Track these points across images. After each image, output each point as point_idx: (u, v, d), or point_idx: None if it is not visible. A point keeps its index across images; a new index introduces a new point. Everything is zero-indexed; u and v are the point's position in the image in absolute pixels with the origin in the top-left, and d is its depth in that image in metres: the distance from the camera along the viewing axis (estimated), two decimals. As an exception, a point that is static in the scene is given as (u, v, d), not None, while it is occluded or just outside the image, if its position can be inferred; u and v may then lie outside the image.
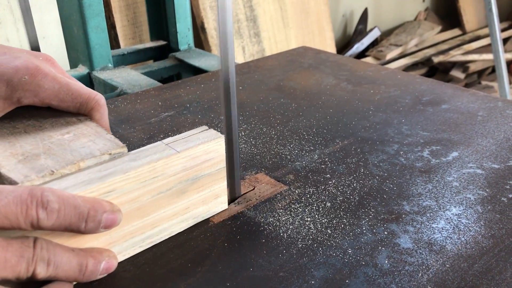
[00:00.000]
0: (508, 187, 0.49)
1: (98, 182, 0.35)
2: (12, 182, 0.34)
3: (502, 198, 0.48)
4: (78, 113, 0.43)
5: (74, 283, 0.35)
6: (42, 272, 0.31)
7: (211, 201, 0.44)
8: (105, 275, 0.36)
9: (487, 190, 0.49)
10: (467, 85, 2.60)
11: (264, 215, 0.45)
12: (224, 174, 0.44)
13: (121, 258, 0.39)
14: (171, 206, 0.40)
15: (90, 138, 0.40)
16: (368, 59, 2.45)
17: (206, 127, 0.43)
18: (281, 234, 0.42)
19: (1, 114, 0.41)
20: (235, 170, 0.46)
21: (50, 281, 0.33)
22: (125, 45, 1.56)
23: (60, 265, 0.32)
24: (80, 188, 0.34)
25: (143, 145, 0.40)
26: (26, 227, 0.30)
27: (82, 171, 0.36)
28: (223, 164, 0.43)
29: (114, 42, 1.57)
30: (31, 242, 0.31)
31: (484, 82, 2.67)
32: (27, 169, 0.35)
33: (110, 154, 0.38)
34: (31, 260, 0.31)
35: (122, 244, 0.38)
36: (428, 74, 2.66)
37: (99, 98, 0.43)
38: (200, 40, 1.76)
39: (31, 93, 0.40)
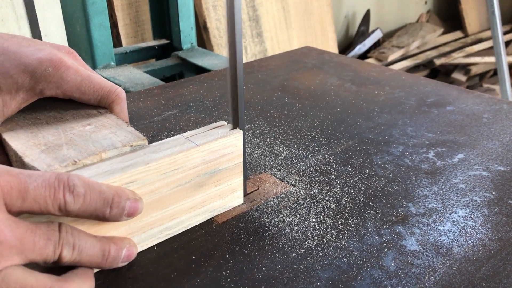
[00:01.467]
0: (514, 189, 0.49)
1: (120, 173, 0.35)
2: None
3: (509, 201, 0.47)
4: (99, 105, 0.44)
5: (96, 271, 0.36)
6: (67, 255, 0.32)
7: (228, 195, 0.44)
8: (126, 263, 0.36)
9: (494, 193, 0.48)
10: (468, 88, 2.59)
11: (269, 215, 0.45)
12: (241, 169, 0.44)
13: (139, 249, 0.39)
14: (189, 199, 0.41)
15: (111, 130, 0.40)
16: (370, 61, 2.44)
17: (224, 122, 0.44)
18: (286, 235, 0.42)
19: (23, 105, 0.41)
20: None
21: (72, 268, 0.33)
22: (127, 43, 1.56)
23: (84, 250, 0.33)
24: (102, 177, 0.34)
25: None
26: (54, 211, 0.31)
27: (104, 161, 0.37)
28: (240, 159, 0.44)
29: (116, 40, 1.57)
30: (57, 226, 0.32)
31: (486, 85, 2.67)
32: (50, 159, 0.36)
33: (131, 146, 0.38)
34: (58, 243, 0.31)
35: (141, 235, 0.39)
36: (430, 76, 2.66)
37: (120, 91, 0.44)
38: (203, 39, 1.76)
39: (54, 85, 0.41)
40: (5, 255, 0.29)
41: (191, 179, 0.40)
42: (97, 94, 0.43)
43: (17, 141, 0.38)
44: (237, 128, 0.43)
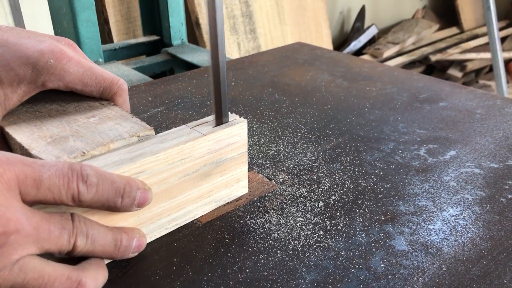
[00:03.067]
0: (507, 187, 0.48)
1: (129, 163, 0.35)
2: None
3: (501, 199, 0.46)
4: (101, 97, 0.43)
5: (108, 261, 0.35)
6: (81, 244, 0.31)
7: (233, 185, 0.44)
8: (136, 254, 0.36)
9: (486, 190, 0.47)
10: (464, 84, 2.59)
11: (255, 215, 0.43)
12: (245, 158, 0.44)
13: (148, 240, 0.39)
14: (196, 188, 0.41)
15: (116, 121, 0.40)
16: (365, 57, 2.43)
17: (228, 113, 0.43)
18: (272, 235, 0.41)
19: (25, 97, 0.40)
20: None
21: (85, 259, 0.33)
22: (119, 40, 1.54)
23: (97, 239, 0.32)
24: (111, 168, 0.34)
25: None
26: (68, 200, 0.31)
27: (112, 152, 0.36)
28: (245, 148, 0.44)
29: (107, 37, 1.55)
30: (70, 216, 0.31)
31: (481, 81, 2.66)
32: (57, 151, 0.35)
33: (138, 136, 0.38)
34: (72, 232, 0.31)
35: (149, 225, 0.39)
36: (426, 73, 2.65)
37: (122, 83, 0.43)
38: (195, 36, 1.74)
39: (56, 77, 0.40)
40: (22, 244, 0.29)
41: (198, 169, 0.40)
42: (99, 85, 0.42)
43: (21, 134, 0.38)
44: (223, 123, 0.42)
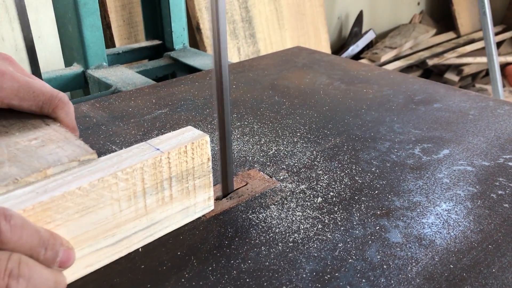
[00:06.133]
0: (497, 183, 0.50)
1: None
2: None
3: (492, 195, 0.48)
4: (42, 113, 0.42)
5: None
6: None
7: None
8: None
9: (477, 187, 0.49)
10: (461, 88, 2.61)
11: (256, 210, 0.45)
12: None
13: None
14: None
15: (58, 144, 0.38)
16: (363, 61, 2.46)
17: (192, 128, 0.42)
18: (273, 229, 0.43)
19: None
20: (228, 166, 0.46)
21: None
22: (121, 45, 1.56)
23: (38, 285, 0.30)
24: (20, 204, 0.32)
25: (136, 142, 0.40)
26: None
27: (47, 178, 0.34)
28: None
29: (109, 42, 1.57)
30: (6, 255, 0.29)
31: (478, 85, 2.69)
32: None
33: (79, 160, 0.36)
34: (3, 273, 0.28)
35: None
36: (423, 77, 2.67)
37: (62, 95, 0.42)
38: (196, 40, 1.76)
39: None
40: None
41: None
42: (38, 99, 0.40)
43: None
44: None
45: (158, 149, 0.38)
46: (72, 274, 0.36)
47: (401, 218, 0.44)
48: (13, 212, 0.30)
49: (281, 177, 0.51)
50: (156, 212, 0.40)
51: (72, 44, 0.92)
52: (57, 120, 0.42)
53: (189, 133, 0.41)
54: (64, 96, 0.42)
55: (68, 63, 0.97)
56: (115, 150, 0.44)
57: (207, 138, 0.41)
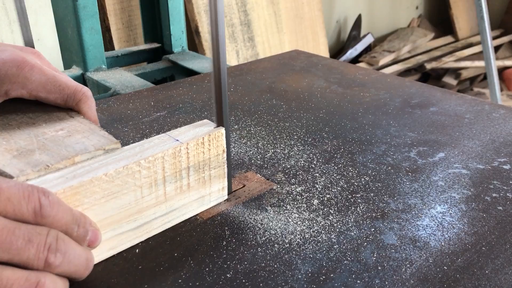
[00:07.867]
0: (492, 186, 0.50)
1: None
2: (7, 177, 0.35)
3: (486, 197, 0.49)
4: (66, 106, 0.44)
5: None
6: (55, 262, 0.30)
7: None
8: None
9: (472, 190, 0.50)
10: (459, 92, 2.62)
11: (253, 212, 0.46)
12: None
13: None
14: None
15: (84, 135, 0.41)
16: (362, 65, 2.47)
17: (208, 121, 0.44)
18: (269, 231, 0.43)
19: None
20: (226, 168, 0.46)
21: None
22: (120, 48, 1.57)
23: (73, 260, 0.32)
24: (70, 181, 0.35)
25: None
26: (29, 214, 0.30)
27: (76, 164, 0.37)
28: None
29: (108, 45, 1.58)
30: (45, 231, 0.30)
31: (476, 89, 2.70)
32: (22, 164, 0.36)
33: (104, 149, 0.39)
34: (43, 247, 0.30)
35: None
36: (421, 81, 2.69)
37: (86, 90, 0.44)
38: (194, 43, 1.77)
39: (19, 85, 0.41)
40: None
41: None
42: (63, 93, 0.43)
43: None
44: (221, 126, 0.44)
45: (177, 140, 0.41)
46: (97, 256, 0.38)
47: (396, 220, 0.45)
48: (49, 191, 0.31)
49: (278, 179, 0.51)
50: (174, 200, 0.42)
51: (71, 47, 0.93)
52: (80, 113, 0.44)
53: (206, 125, 0.44)
54: (88, 90, 0.44)
55: (67, 66, 0.98)
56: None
57: (222, 130, 0.43)
